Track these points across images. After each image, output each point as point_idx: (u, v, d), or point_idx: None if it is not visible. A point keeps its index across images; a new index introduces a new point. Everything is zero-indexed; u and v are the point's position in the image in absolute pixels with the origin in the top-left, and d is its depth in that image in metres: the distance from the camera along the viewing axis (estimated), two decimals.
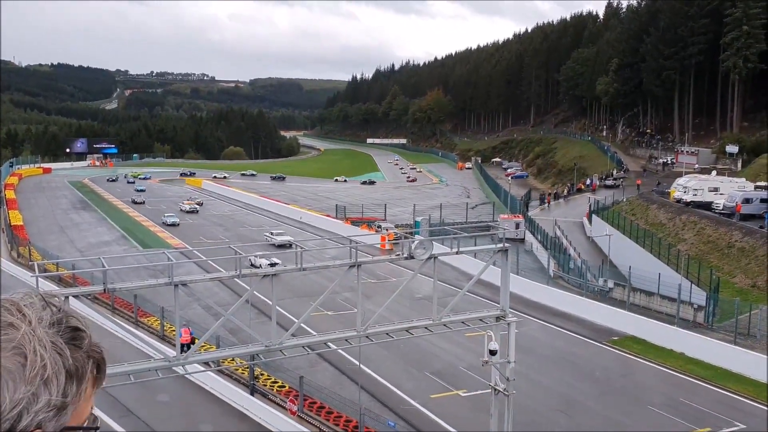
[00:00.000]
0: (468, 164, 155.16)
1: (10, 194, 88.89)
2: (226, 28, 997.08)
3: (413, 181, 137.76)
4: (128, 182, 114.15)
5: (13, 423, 1.13)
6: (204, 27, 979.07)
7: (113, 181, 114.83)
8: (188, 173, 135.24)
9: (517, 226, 65.38)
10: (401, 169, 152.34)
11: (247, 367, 29.47)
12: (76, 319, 1.28)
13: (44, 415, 1.17)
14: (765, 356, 31.60)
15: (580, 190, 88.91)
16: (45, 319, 1.23)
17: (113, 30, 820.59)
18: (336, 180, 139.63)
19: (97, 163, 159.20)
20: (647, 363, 33.66)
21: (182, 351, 33.15)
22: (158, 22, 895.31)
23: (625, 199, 69.32)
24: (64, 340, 1.26)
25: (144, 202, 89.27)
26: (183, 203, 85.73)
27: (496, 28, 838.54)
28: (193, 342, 25.47)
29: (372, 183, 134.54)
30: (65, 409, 1.20)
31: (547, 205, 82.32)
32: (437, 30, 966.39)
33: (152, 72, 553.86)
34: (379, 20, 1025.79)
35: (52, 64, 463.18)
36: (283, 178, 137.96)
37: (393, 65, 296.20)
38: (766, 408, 28.29)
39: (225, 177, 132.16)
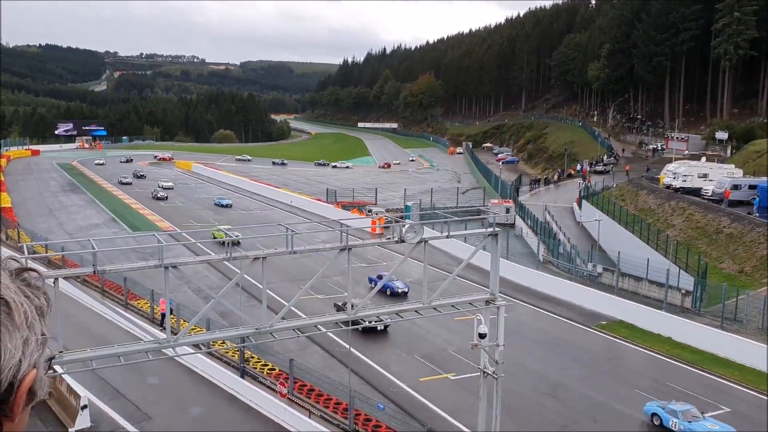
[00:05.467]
0: (459, 149, 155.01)
1: None
2: (209, 10, 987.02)
3: (387, 166, 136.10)
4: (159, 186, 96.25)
5: (17, 369, 1.21)
6: (187, 8, 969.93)
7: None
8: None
9: (508, 210, 65.58)
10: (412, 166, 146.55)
11: (237, 350, 29.51)
12: (16, 261, 1.32)
13: (36, 354, 1.26)
14: (751, 341, 31.95)
15: (570, 176, 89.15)
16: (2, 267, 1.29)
17: (94, 8, 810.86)
18: (334, 165, 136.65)
19: (86, 146, 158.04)
20: (635, 347, 33.96)
21: (162, 322, 33.36)
22: (141, 3, 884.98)
23: (615, 185, 69.56)
24: (22, 282, 1.32)
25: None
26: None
27: (481, 12, 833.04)
28: (170, 312, 25.51)
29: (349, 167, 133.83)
30: (46, 344, 1.30)
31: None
32: (423, 13, 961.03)
33: (142, 54, 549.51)
34: (363, 3, 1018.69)
35: (40, 45, 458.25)
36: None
37: (384, 49, 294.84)
38: (753, 392, 28.63)
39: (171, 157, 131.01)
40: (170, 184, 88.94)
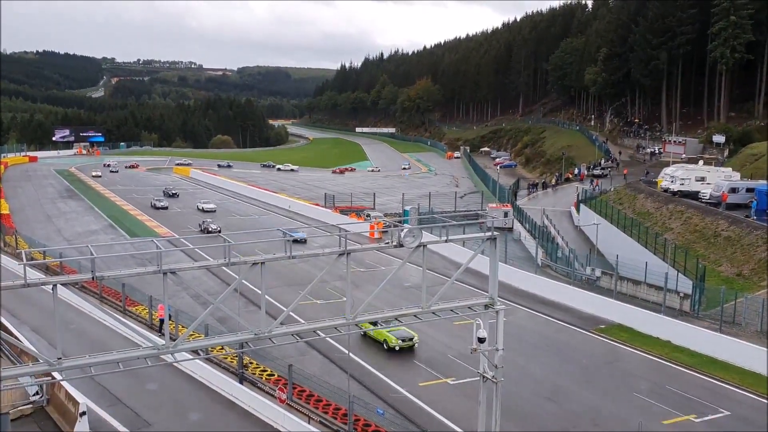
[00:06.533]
0: (457, 153, 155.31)
1: None
2: (202, 14, 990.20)
3: (342, 172, 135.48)
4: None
5: None
6: (180, 13, 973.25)
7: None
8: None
9: (506, 215, 65.56)
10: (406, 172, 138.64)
11: (236, 356, 29.49)
12: None
13: None
14: (749, 344, 31.95)
15: (568, 180, 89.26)
16: None
17: (89, 14, 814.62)
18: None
19: (84, 152, 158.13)
20: (634, 351, 33.94)
21: (160, 327, 33.30)
22: (135, 8, 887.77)
23: (612, 189, 69.61)
24: None
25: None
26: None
27: (476, 15, 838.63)
28: (170, 318, 25.45)
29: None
30: None
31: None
32: (418, 17, 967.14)
33: (139, 60, 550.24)
34: (357, 6, 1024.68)
35: (37, 51, 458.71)
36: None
37: (381, 54, 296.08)
38: (752, 395, 28.62)
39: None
40: (212, 206, 75.75)
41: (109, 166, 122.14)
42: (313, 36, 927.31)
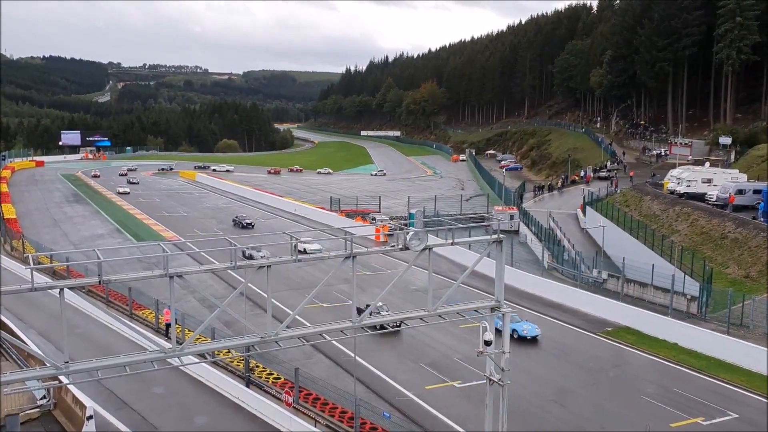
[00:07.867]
0: (462, 156, 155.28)
1: (2, 187, 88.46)
2: (204, 18, 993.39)
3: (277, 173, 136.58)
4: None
5: None
6: (182, 18, 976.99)
7: None
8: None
9: (512, 217, 65.50)
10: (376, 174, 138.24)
11: (243, 359, 29.50)
12: None
13: None
14: (757, 346, 31.80)
15: (574, 182, 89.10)
16: None
17: (90, 20, 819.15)
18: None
19: (90, 156, 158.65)
20: (641, 353, 33.84)
21: (167, 331, 33.32)
22: (135, 12, 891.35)
23: (618, 191, 69.43)
24: None
25: None
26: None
27: (480, 19, 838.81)
28: (175, 322, 25.51)
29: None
30: None
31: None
32: (421, 21, 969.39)
33: (145, 64, 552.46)
34: (358, 10, 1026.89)
35: (43, 56, 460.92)
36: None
37: (386, 57, 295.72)
38: (760, 398, 28.50)
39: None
40: (317, 246, 46.61)
41: (97, 176, 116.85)
42: (316, 40, 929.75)
